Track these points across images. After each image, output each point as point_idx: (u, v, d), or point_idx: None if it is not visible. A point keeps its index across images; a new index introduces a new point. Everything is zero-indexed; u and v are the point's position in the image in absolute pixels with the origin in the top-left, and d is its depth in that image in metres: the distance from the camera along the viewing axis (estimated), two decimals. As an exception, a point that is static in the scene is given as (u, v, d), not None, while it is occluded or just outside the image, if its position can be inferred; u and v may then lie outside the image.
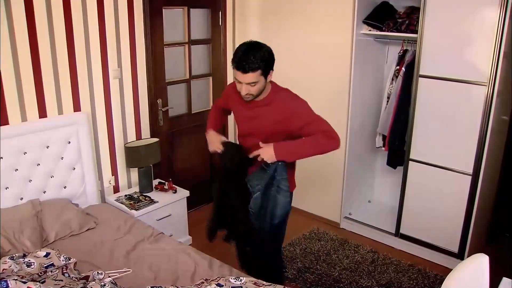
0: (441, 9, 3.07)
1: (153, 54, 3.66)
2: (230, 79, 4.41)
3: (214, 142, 2.50)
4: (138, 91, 3.63)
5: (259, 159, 2.30)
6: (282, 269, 2.94)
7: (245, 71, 2.14)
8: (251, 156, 2.34)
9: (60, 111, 3.14)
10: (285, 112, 2.29)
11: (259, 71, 2.16)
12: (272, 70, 2.26)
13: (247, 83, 2.18)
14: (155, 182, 3.71)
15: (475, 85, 3.03)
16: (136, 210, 3.28)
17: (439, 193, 3.38)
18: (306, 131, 2.29)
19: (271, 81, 2.37)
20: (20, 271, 2.24)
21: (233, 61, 2.18)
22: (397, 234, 3.71)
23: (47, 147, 3.03)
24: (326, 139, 2.29)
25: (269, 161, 2.28)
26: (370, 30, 3.62)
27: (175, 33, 3.91)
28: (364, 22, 3.62)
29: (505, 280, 1.98)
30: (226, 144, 2.50)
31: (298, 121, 2.29)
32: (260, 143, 2.32)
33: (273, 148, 2.26)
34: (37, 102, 2.99)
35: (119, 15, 3.35)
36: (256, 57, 2.13)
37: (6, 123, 2.86)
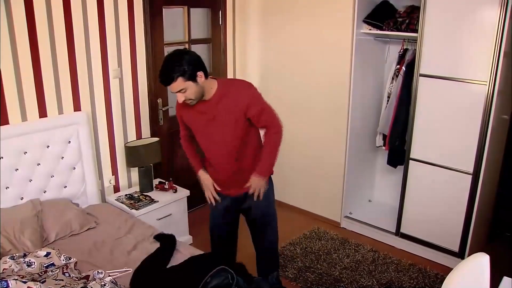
0: (441, 8, 3.07)
1: (153, 53, 3.65)
2: (230, 79, 4.41)
3: (210, 187, 2.67)
4: (138, 90, 3.63)
5: (256, 194, 2.53)
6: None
7: (166, 84, 2.25)
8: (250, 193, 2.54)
9: (60, 111, 3.14)
10: (240, 102, 2.37)
11: (179, 79, 2.22)
12: (200, 71, 2.27)
13: (176, 92, 2.27)
14: (156, 181, 3.71)
15: (475, 84, 3.03)
16: (136, 209, 3.28)
17: (440, 192, 3.38)
18: (258, 119, 2.43)
19: (215, 78, 2.43)
20: (21, 271, 2.25)
21: (159, 77, 2.29)
22: (398, 233, 3.71)
23: (48, 147, 3.03)
24: (277, 136, 2.49)
25: (265, 188, 2.55)
26: (370, 30, 3.61)
27: (175, 32, 3.91)
28: (364, 22, 3.62)
29: (505, 279, 1.98)
30: None
31: (251, 112, 2.39)
32: (249, 183, 2.52)
33: (260, 177, 2.49)
34: (37, 101, 3.00)
35: (119, 15, 3.35)
36: (173, 68, 2.21)
37: (7, 123, 2.86)
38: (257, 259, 2.89)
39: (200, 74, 2.27)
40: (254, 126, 2.50)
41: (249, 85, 2.44)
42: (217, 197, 2.65)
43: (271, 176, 2.69)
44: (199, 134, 2.53)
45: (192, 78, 2.24)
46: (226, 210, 2.70)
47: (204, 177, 2.68)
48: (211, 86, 2.37)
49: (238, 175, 2.54)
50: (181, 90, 2.25)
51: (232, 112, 2.38)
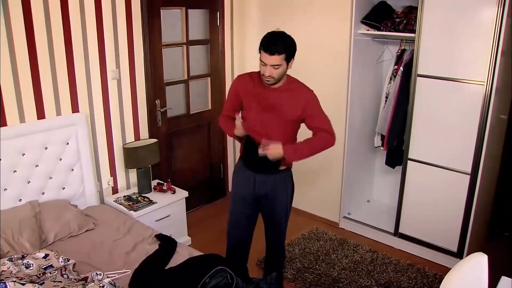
0: (439, 8, 3.08)
1: (151, 54, 3.65)
2: (228, 79, 4.41)
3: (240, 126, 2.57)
4: (137, 91, 3.62)
5: (265, 151, 2.43)
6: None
7: (271, 53, 2.31)
8: (260, 151, 2.45)
9: (59, 112, 3.13)
10: (303, 97, 2.50)
11: (283, 55, 2.33)
12: (293, 59, 2.42)
13: (272, 65, 2.34)
14: (154, 183, 3.71)
15: (473, 84, 3.04)
16: (135, 211, 3.28)
17: (438, 192, 3.38)
18: (312, 122, 2.54)
19: (286, 74, 2.52)
20: (19, 273, 2.24)
21: (261, 43, 2.35)
22: (396, 233, 3.72)
23: (46, 148, 3.02)
24: (330, 139, 2.56)
25: (274, 157, 2.44)
26: (368, 30, 3.62)
27: (173, 33, 3.91)
28: (362, 22, 3.62)
29: (504, 279, 1.98)
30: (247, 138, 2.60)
31: (311, 110, 2.52)
32: (263, 140, 2.46)
33: (285, 151, 2.43)
34: (35, 103, 2.99)
35: (117, 16, 3.35)
36: (282, 42, 2.34)
37: (5, 124, 2.85)
38: (266, 256, 2.93)
39: (292, 60, 2.42)
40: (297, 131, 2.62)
41: (312, 90, 2.57)
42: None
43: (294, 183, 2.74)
44: (252, 113, 2.56)
45: (288, 60, 2.39)
46: (245, 198, 2.69)
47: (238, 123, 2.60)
48: (284, 77, 2.50)
49: (269, 162, 2.54)
50: (275, 66, 2.34)
51: (291, 106, 2.49)
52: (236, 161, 2.81)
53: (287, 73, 2.50)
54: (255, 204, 2.71)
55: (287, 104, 2.49)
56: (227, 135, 2.66)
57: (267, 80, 2.41)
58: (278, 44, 2.32)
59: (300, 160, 2.53)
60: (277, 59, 2.32)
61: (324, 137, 2.54)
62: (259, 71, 2.47)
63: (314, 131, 2.57)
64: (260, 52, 2.37)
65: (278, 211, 2.70)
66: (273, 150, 2.42)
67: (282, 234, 2.82)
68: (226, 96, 2.82)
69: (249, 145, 2.58)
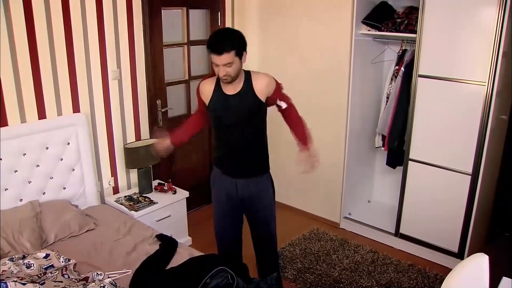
0: (440, 8, 3.07)
1: (152, 54, 3.65)
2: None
3: (158, 144, 2.76)
4: (138, 92, 3.62)
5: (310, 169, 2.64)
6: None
7: (219, 52, 2.28)
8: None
9: (59, 112, 3.14)
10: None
11: (233, 52, 2.30)
12: (246, 52, 2.40)
13: (224, 64, 2.31)
14: (155, 183, 3.71)
15: (474, 84, 3.03)
16: (135, 211, 3.28)
17: (439, 193, 3.38)
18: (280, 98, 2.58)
19: (247, 70, 2.53)
20: (20, 273, 2.24)
21: (208, 45, 2.32)
22: (397, 234, 3.71)
23: (47, 148, 3.02)
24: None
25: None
26: (369, 30, 3.62)
27: (174, 33, 3.91)
28: (363, 22, 3.62)
29: (505, 280, 1.98)
30: None
31: (276, 93, 2.54)
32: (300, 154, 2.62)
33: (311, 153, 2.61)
34: (36, 103, 2.99)
35: (118, 16, 3.35)
36: (229, 39, 2.32)
37: (6, 124, 2.86)
38: (257, 259, 2.91)
39: (245, 54, 2.40)
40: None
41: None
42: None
43: (272, 176, 2.73)
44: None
45: (240, 55, 2.35)
46: (227, 196, 2.68)
47: (160, 141, 2.80)
48: (242, 73, 2.49)
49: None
50: (228, 64, 2.31)
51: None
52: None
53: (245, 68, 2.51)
54: (240, 205, 2.71)
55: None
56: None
57: (225, 79, 2.39)
58: (224, 42, 2.29)
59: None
60: (227, 57, 2.29)
61: (298, 115, 2.68)
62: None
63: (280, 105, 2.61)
64: (209, 54, 2.34)
65: (264, 211, 2.71)
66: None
67: (272, 234, 2.80)
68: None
69: (226, 152, 2.61)
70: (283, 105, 2.56)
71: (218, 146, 2.64)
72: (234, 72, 2.36)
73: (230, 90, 2.48)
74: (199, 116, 2.76)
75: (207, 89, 2.55)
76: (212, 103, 2.53)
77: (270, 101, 2.54)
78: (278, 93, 2.55)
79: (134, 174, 3.70)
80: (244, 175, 2.61)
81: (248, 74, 2.50)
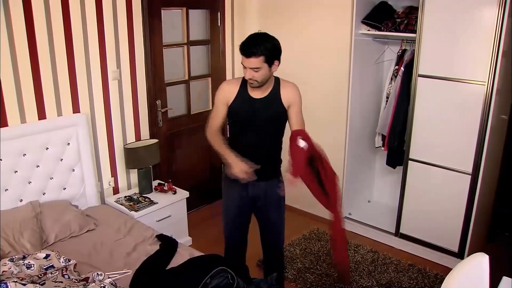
0: (439, 8, 3.07)
1: (152, 55, 3.65)
2: (229, 80, 4.41)
3: (244, 167, 2.41)
4: (137, 92, 3.63)
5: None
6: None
7: (248, 55, 2.29)
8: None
9: (59, 113, 3.14)
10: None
11: (261, 57, 2.28)
12: (278, 61, 2.38)
13: (250, 68, 2.31)
14: (155, 183, 3.71)
15: (474, 84, 3.03)
16: (135, 211, 3.28)
17: (439, 192, 3.38)
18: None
19: (277, 77, 2.52)
20: (20, 273, 2.24)
21: (240, 45, 2.32)
22: (397, 234, 3.71)
23: (47, 148, 3.02)
24: None
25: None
26: (369, 30, 3.62)
27: (174, 34, 3.91)
28: (362, 22, 3.62)
29: (505, 279, 1.98)
30: None
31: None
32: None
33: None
34: (36, 103, 2.99)
35: (117, 16, 3.35)
36: (260, 44, 2.29)
37: (6, 125, 2.86)
38: (264, 259, 2.93)
39: (276, 63, 2.37)
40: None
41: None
42: (255, 166, 2.47)
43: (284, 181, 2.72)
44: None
45: (270, 62, 2.33)
46: (240, 199, 2.68)
47: (238, 161, 2.49)
48: (272, 81, 2.48)
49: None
50: (255, 68, 2.30)
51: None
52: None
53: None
54: (250, 205, 2.71)
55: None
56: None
57: (251, 83, 2.39)
58: (255, 46, 2.28)
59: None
60: (255, 61, 2.28)
61: None
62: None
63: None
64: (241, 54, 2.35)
65: (273, 211, 2.71)
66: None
67: (281, 235, 2.81)
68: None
69: (242, 154, 2.52)
70: (301, 144, 2.36)
71: (233, 146, 2.58)
72: (261, 78, 2.35)
73: (257, 93, 2.47)
74: (219, 130, 2.65)
75: (231, 89, 2.52)
76: (235, 104, 2.51)
77: (288, 112, 2.53)
78: (298, 107, 2.53)
79: (134, 175, 3.70)
80: (257, 178, 2.57)
81: (277, 80, 2.51)
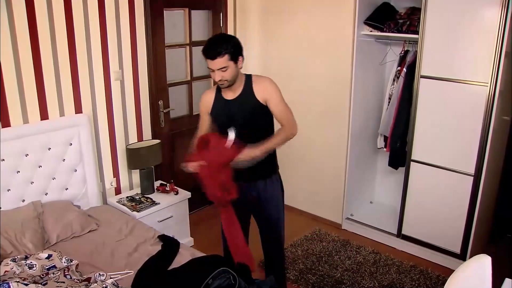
0: (442, 9, 3.07)
1: (154, 55, 3.66)
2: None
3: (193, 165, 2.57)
4: (140, 92, 3.63)
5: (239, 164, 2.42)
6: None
7: (213, 57, 2.31)
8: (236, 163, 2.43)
9: (62, 113, 3.14)
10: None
11: (226, 56, 2.32)
12: (242, 57, 2.43)
13: (218, 68, 2.33)
14: (157, 183, 3.71)
15: (476, 85, 3.03)
16: (137, 211, 3.28)
17: (441, 194, 3.37)
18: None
19: (249, 74, 2.55)
20: (22, 273, 2.25)
21: (203, 51, 2.35)
22: (399, 235, 3.71)
23: (49, 149, 3.03)
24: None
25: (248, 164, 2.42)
26: (371, 31, 3.61)
27: (176, 34, 3.91)
28: (365, 23, 3.62)
29: (507, 281, 1.98)
30: None
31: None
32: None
33: (250, 153, 2.40)
34: (38, 104, 3.00)
35: (120, 17, 3.35)
36: (222, 44, 2.32)
37: (8, 125, 2.86)
38: (265, 259, 2.93)
39: (241, 59, 2.42)
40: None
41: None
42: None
43: (282, 181, 2.75)
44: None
45: (235, 59, 2.37)
46: (237, 199, 2.67)
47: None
48: (241, 78, 2.51)
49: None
50: (223, 68, 2.33)
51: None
52: None
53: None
54: (248, 207, 2.71)
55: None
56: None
57: (222, 84, 2.41)
58: (217, 47, 2.31)
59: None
60: (221, 61, 2.31)
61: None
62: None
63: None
64: (206, 60, 2.37)
65: (272, 211, 2.71)
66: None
67: (281, 234, 2.81)
68: None
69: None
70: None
71: None
72: (230, 77, 2.38)
73: (230, 95, 2.51)
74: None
75: (208, 98, 2.59)
76: (214, 109, 2.57)
77: (269, 106, 2.52)
78: (275, 100, 2.50)
79: (136, 175, 3.70)
80: (251, 178, 2.61)
81: (248, 77, 2.52)
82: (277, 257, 2.88)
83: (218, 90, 2.55)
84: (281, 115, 2.53)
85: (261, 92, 2.48)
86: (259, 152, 2.43)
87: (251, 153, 2.41)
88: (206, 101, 2.60)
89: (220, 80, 2.38)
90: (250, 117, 2.50)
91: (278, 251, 2.86)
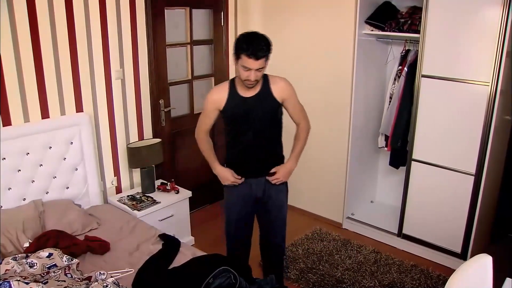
0: (443, 8, 3.06)
1: (155, 54, 3.66)
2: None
3: (228, 176, 2.64)
4: (140, 91, 3.63)
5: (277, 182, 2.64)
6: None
7: (258, 57, 2.28)
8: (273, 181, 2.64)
9: (63, 112, 3.14)
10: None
11: (265, 57, 2.33)
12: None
13: (257, 68, 2.31)
14: (158, 182, 3.71)
15: (477, 85, 3.02)
16: (138, 210, 3.28)
17: (442, 193, 3.37)
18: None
19: (265, 73, 2.54)
20: (23, 272, 2.25)
21: (244, 49, 2.28)
22: (400, 234, 3.71)
23: (50, 147, 3.03)
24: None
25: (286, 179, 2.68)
26: (372, 30, 3.61)
27: (177, 33, 3.91)
28: (366, 22, 3.61)
29: (508, 281, 1.98)
30: None
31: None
32: (274, 170, 2.63)
33: (290, 168, 2.66)
34: (39, 103, 3.00)
35: (121, 16, 3.35)
36: (265, 44, 2.32)
37: (9, 124, 2.86)
38: (263, 258, 2.94)
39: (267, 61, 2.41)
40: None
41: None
42: (238, 177, 2.65)
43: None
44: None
45: (267, 61, 2.38)
46: (243, 198, 2.70)
47: (220, 168, 2.69)
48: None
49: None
50: (260, 69, 2.34)
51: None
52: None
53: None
54: (253, 205, 2.73)
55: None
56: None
57: (251, 84, 2.40)
58: (263, 47, 2.29)
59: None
60: (262, 62, 2.31)
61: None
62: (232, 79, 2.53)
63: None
64: (239, 57, 2.32)
65: (277, 209, 2.72)
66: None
67: (283, 233, 2.82)
68: None
69: (242, 153, 2.64)
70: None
71: (232, 146, 2.65)
72: (260, 77, 2.41)
73: (248, 92, 2.49)
74: (208, 133, 2.74)
75: (220, 95, 2.54)
76: (229, 106, 2.53)
77: (285, 106, 2.60)
78: (294, 100, 2.60)
79: (137, 174, 3.70)
80: (259, 175, 2.63)
81: (265, 76, 2.52)
82: (276, 256, 2.89)
83: (232, 87, 2.52)
84: (299, 113, 2.64)
85: (279, 92, 2.51)
86: (295, 163, 2.66)
87: (290, 169, 2.64)
88: (218, 98, 2.54)
89: (254, 80, 2.36)
90: (267, 114, 2.53)
91: (281, 250, 2.88)
